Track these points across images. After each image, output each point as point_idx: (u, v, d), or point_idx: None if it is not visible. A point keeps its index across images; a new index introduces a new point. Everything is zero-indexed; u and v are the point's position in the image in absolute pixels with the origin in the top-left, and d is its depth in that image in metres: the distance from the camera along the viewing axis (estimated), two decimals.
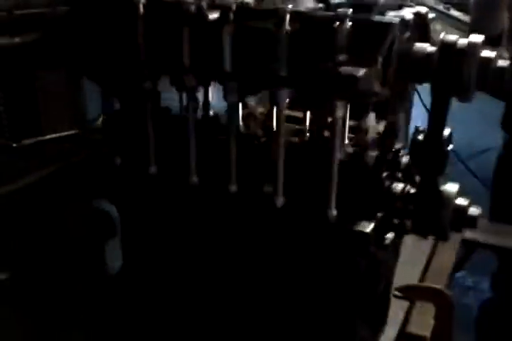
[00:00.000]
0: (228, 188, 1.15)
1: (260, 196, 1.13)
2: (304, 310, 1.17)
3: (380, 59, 0.86)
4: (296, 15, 0.98)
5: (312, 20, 0.96)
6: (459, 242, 2.03)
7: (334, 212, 1.07)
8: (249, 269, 1.20)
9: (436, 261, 1.84)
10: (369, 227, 1.05)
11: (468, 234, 2.07)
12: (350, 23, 0.93)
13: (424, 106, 4.80)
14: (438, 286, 1.56)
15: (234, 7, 1.02)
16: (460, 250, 2.07)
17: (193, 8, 1.06)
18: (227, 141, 1.12)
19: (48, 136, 1.87)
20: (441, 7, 4.41)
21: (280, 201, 1.11)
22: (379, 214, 1.11)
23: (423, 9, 1.16)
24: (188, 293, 1.30)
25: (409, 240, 1.35)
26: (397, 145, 1.21)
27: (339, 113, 0.96)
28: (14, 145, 1.86)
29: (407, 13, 1.03)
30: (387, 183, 1.14)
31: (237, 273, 1.21)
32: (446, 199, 1.13)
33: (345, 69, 0.83)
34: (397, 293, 1.51)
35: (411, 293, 1.54)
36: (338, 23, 0.92)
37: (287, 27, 0.97)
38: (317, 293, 1.14)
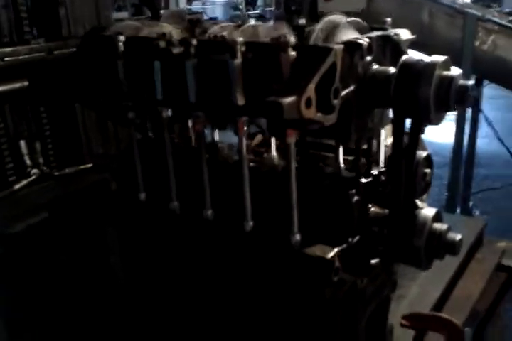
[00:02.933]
0: (203, 213, 1.19)
1: (231, 220, 1.15)
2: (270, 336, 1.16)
3: (312, 86, 0.87)
4: (248, 45, 1.01)
5: (258, 49, 0.98)
6: (493, 267, 1.89)
7: (297, 237, 1.07)
8: (218, 290, 1.21)
9: (460, 287, 1.72)
10: (330, 253, 1.04)
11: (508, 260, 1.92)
12: (292, 51, 0.94)
13: (487, 122, 4.58)
14: (447, 316, 1.47)
15: (195, 42, 1.07)
16: (497, 277, 1.92)
17: (162, 43, 1.13)
18: (198, 168, 1.16)
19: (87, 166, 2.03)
20: (505, 21, 4.19)
21: (248, 226, 1.13)
22: (350, 239, 1.09)
23: (398, 32, 1.15)
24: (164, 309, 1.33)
25: None
26: (378, 169, 1.19)
27: (290, 139, 0.97)
28: (56, 173, 2.04)
29: (365, 38, 1.02)
30: (359, 206, 1.12)
31: (210, 291, 1.24)
32: (421, 224, 1.08)
33: (274, 98, 0.85)
34: (403, 321, 1.45)
35: (418, 323, 1.46)
36: (280, 50, 0.93)
37: (238, 58, 1.00)
38: (285, 321, 1.13)
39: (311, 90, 0.86)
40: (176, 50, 1.09)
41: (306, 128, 0.92)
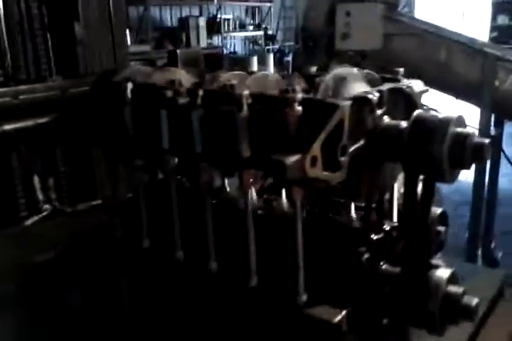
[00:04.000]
0: (208, 265, 1.15)
1: (236, 274, 1.11)
2: None
3: (318, 144, 0.83)
4: (254, 97, 0.99)
5: (264, 102, 0.96)
6: None
7: (304, 298, 1.01)
8: None
9: None
10: (338, 316, 0.98)
11: None
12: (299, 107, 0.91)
13: (508, 160, 4.48)
14: None
15: (201, 92, 1.05)
16: None
17: (169, 92, 1.12)
18: (203, 217, 1.13)
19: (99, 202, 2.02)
20: None
21: (253, 281, 1.08)
22: (359, 300, 1.03)
23: (411, 83, 1.11)
24: None
25: None
26: (390, 225, 1.14)
27: (296, 197, 0.93)
28: (69, 210, 2.02)
29: (375, 92, 0.99)
30: (369, 265, 1.06)
31: None
32: (435, 287, 1.02)
33: (277, 156, 0.81)
34: None
35: None
36: (286, 105, 0.91)
37: (244, 110, 0.97)
38: None
39: (316, 149, 0.83)
40: (182, 101, 1.07)
41: (312, 187, 0.88)
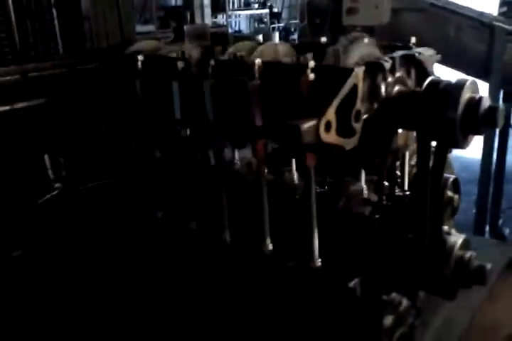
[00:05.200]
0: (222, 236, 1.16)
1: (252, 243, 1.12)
2: None
3: (332, 109, 0.83)
4: (266, 66, 0.98)
5: (276, 70, 0.96)
6: None
7: (318, 262, 1.03)
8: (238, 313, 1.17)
9: (488, 313, 1.64)
10: (352, 281, 0.99)
11: None
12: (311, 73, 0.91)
13: None
14: None
15: (213, 62, 1.05)
16: None
17: (180, 63, 1.11)
18: (215, 188, 1.14)
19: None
20: None
21: (268, 247, 1.09)
22: (372, 266, 1.05)
23: (423, 51, 1.11)
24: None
25: None
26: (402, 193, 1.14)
27: (310, 163, 0.94)
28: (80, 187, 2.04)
29: (387, 58, 0.99)
30: (382, 231, 1.07)
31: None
32: (448, 252, 1.03)
33: (292, 122, 0.81)
34: None
35: None
36: (299, 71, 0.91)
37: (256, 78, 0.97)
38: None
39: (330, 114, 0.83)
40: (194, 71, 1.07)
41: (326, 152, 0.88)
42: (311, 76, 0.91)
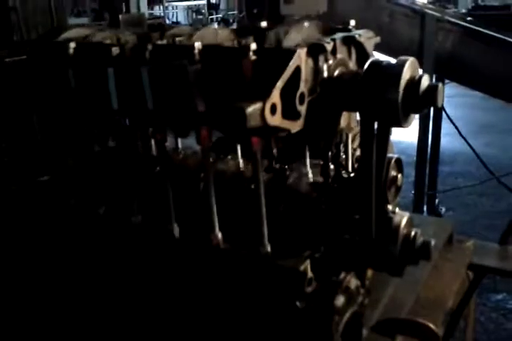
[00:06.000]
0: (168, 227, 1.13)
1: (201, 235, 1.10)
2: None
3: (277, 91, 0.82)
4: (207, 49, 0.96)
5: (218, 53, 0.93)
6: (465, 267, 1.88)
7: (268, 248, 1.02)
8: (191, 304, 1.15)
9: (434, 288, 1.71)
10: (303, 264, 0.99)
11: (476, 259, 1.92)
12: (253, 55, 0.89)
13: (450, 121, 4.66)
14: (423, 321, 1.44)
15: (150, 47, 1.01)
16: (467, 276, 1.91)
17: (116, 49, 1.06)
18: (159, 180, 1.10)
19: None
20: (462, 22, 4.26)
21: (218, 237, 1.07)
22: (321, 248, 1.05)
23: (362, 33, 1.11)
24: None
25: None
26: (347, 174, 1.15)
27: (256, 147, 0.92)
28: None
29: (328, 40, 0.99)
30: (329, 213, 1.08)
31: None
32: (394, 230, 1.05)
33: (236, 104, 0.79)
34: (378, 328, 1.41)
35: (393, 328, 1.43)
36: (241, 54, 0.89)
37: (197, 62, 0.94)
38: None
39: (275, 96, 0.82)
40: (131, 56, 1.02)
41: (272, 136, 0.87)
42: (254, 58, 0.89)
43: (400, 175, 1.11)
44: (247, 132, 0.82)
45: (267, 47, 0.92)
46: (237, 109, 0.78)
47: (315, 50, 0.94)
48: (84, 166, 1.27)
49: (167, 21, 9.73)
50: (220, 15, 11.13)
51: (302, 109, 0.90)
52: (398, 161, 1.11)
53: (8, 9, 2.12)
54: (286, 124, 0.86)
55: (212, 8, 11.06)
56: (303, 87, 0.89)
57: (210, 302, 1.12)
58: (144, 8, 8.71)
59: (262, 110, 0.80)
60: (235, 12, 11.05)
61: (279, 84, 0.83)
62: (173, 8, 10.52)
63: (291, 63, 0.85)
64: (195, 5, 10.93)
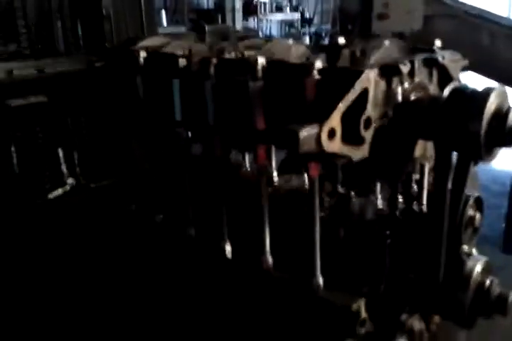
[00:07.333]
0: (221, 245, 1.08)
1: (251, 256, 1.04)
2: None
3: (337, 114, 0.74)
4: (270, 65, 0.90)
5: (281, 70, 0.87)
6: None
7: (320, 280, 0.93)
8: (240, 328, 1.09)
9: None
10: (356, 303, 0.90)
11: None
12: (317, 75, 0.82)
13: None
14: None
15: (215, 60, 0.98)
16: None
17: (182, 61, 1.04)
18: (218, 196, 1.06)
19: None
20: None
21: (268, 262, 1.01)
22: (380, 286, 0.95)
23: (447, 54, 1.01)
24: None
25: None
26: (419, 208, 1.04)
27: (312, 173, 0.85)
28: (92, 185, 1.99)
29: (406, 61, 0.89)
30: (394, 249, 0.97)
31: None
32: (467, 276, 0.93)
33: (291, 126, 0.73)
34: None
35: None
36: (304, 72, 0.82)
37: (259, 78, 0.89)
38: None
39: (335, 120, 0.74)
40: (196, 69, 1.00)
41: (331, 162, 0.80)
42: (317, 77, 0.82)
43: (478, 215, 0.99)
44: (303, 157, 0.75)
45: (334, 67, 0.85)
46: (291, 131, 0.71)
47: (388, 72, 0.85)
48: (145, 174, 1.26)
49: (261, 34, 9.86)
50: (313, 30, 11.10)
51: (367, 134, 0.81)
52: (478, 200, 0.98)
53: (102, 18, 2.22)
54: (347, 150, 0.78)
55: (306, 22, 11.06)
56: (370, 111, 0.80)
57: (254, 326, 1.06)
58: (239, 20, 8.90)
59: (319, 134, 0.72)
60: (329, 27, 10.98)
61: (341, 106, 0.75)
62: (267, 21, 10.65)
63: (356, 85, 0.77)
64: (290, 19, 11.00)
